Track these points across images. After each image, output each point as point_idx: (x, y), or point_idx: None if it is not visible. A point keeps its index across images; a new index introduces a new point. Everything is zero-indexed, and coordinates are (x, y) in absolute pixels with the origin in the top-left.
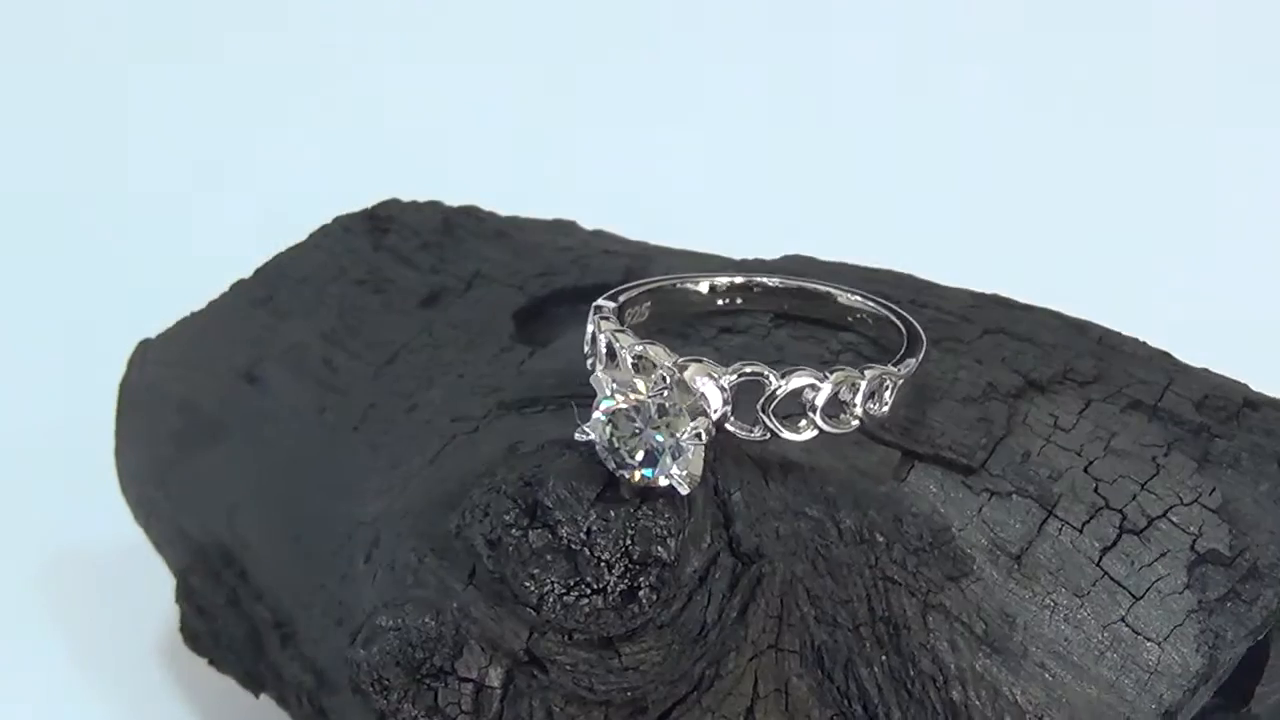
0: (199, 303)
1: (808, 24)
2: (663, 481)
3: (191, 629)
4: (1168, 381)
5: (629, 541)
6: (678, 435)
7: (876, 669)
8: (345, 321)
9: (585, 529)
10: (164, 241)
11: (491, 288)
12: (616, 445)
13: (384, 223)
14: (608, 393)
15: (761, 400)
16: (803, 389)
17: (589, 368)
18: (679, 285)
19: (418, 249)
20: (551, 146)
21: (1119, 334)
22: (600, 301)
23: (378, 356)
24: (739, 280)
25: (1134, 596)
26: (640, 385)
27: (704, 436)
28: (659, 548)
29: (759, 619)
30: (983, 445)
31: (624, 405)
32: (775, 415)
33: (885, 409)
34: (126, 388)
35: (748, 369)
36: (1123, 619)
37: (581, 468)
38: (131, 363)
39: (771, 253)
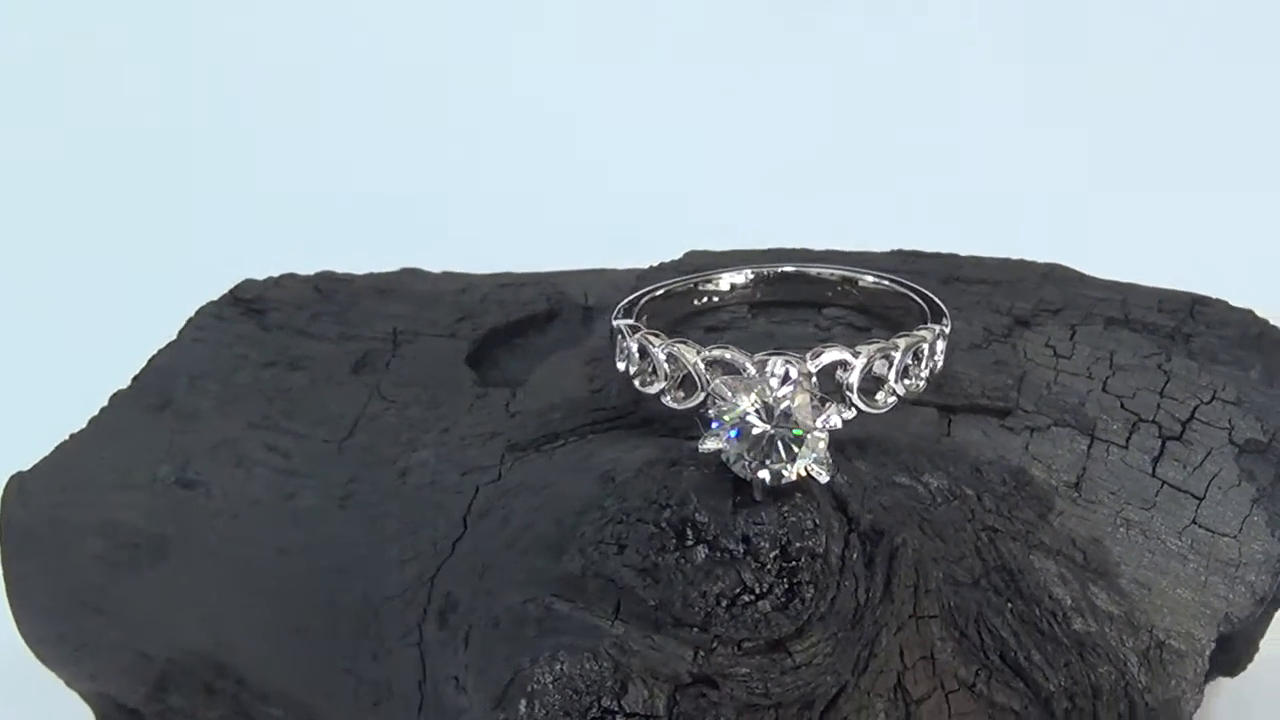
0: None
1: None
2: (800, 473)
3: None
4: (1122, 296)
5: (784, 541)
6: (813, 427)
7: (1008, 616)
8: (277, 406)
9: (740, 536)
10: None
11: (422, 341)
12: (748, 448)
13: (256, 303)
14: (731, 398)
15: (848, 380)
16: (874, 361)
17: (639, 386)
18: (699, 286)
19: (310, 321)
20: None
21: (1039, 262)
22: (623, 321)
23: (334, 432)
24: (754, 274)
25: (1197, 498)
26: (761, 387)
27: (839, 423)
28: (811, 541)
29: (901, 592)
30: (1010, 386)
31: (753, 407)
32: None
33: (940, 365)
34: (10, 526)
35: (825, 354)
36: (1194, 521)
37: (707, 480)
38: (7, 499)
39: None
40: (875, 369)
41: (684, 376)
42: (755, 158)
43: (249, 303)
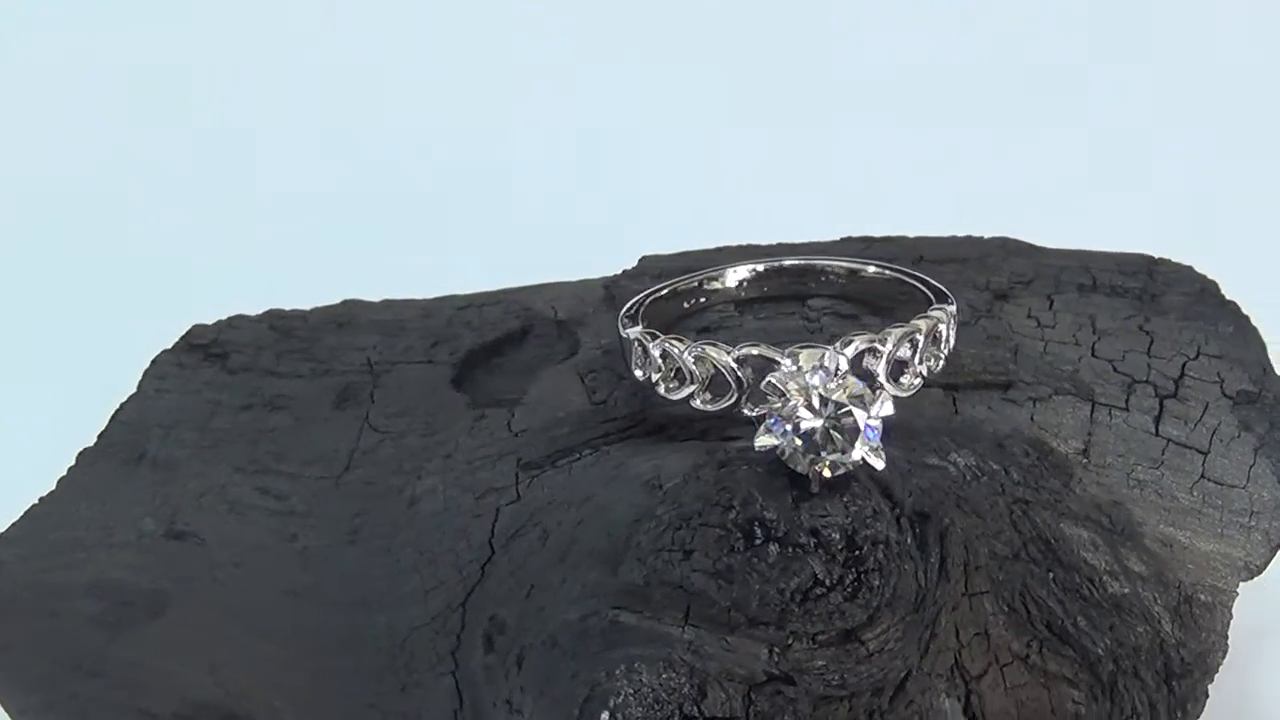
0: None
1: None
2: (856, 462)
3: None
4: (1081, 263)
5: (851, 531)
6: (869, 415)
7: (1052, 586)
8: (262, 448)
9: (809, 530)
10: None
11: (400, 370)
12: (806, 441)
13: (214, 347)
14: (785, 393)
15: (876, 367)
16: (900, 346)
17: (663, 392)
18: (705, 285)
19: (277, 360)
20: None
21: (987, 237)
22: (638, 330)
23: (329, 468)
24: (762, 268)
25: (1202, 453)
26: (815, 380)
27: (891, 410)
28: (874, 528)
29: (954, 571)
30: (1008, 359)
31: (805, 401)
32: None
33: (952, 344)
34: None
35: (854, 342)
36: (1203, 475)
37: (762, 477)
38: None
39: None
40: (900, 354)
41: (712, 378)
42: (678, 160)
43: (206, 348)
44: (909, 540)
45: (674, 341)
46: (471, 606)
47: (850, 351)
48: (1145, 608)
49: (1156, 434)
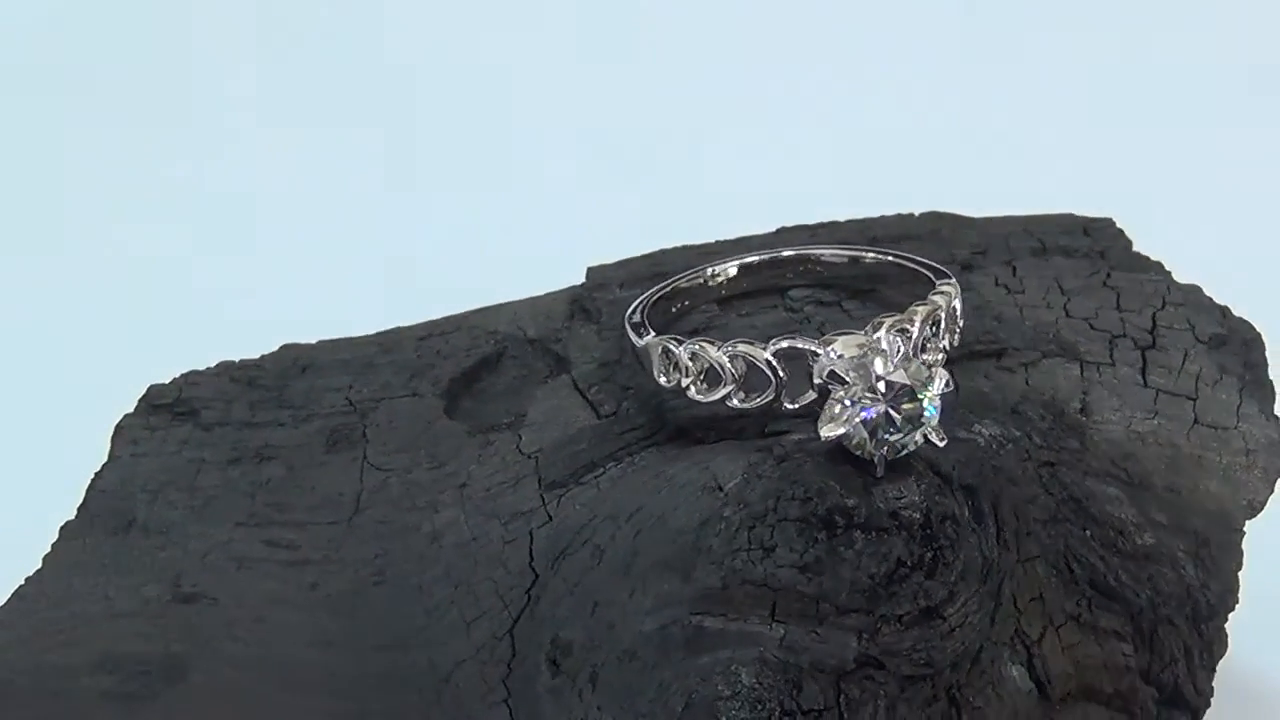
0: None
1: None
2: (919, 442)
3: None
4: (1023, 228)
5: (926, 510)
6: (930, 395)
7: (1093, 543)
8: (261, 500)
9: (889, 513)
10: None
11: (386, 405)
12: (870, 426)
13: (179, 405)
14: (847, 380)
15: (911, 348)
16: (926, 323)
17: (694, 395)
18: (707, 284)
19: (251, 410)
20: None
21: (918, 213)
22: (658, 339)
23: (337, 513)
24: (757, 260)
25: (1191, 399)
26: (877, 365)
27: (949, 388)
28: (945, 504)
29: (1011, 538)
30: (997, 327)
31: (871, 386)
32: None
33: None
34: None
35: (885, 324)
36: (1196, 420)
37: (828, 467)
38: None
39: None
40: (924, 333)
41: (745, 376)
42: (578, 168)
43: (170, 407)
44: (966, 514)
45: (703, 343)
46: (521, 632)
47: (881, 334)
48: (1171, 555)
49: (1145, 385)
